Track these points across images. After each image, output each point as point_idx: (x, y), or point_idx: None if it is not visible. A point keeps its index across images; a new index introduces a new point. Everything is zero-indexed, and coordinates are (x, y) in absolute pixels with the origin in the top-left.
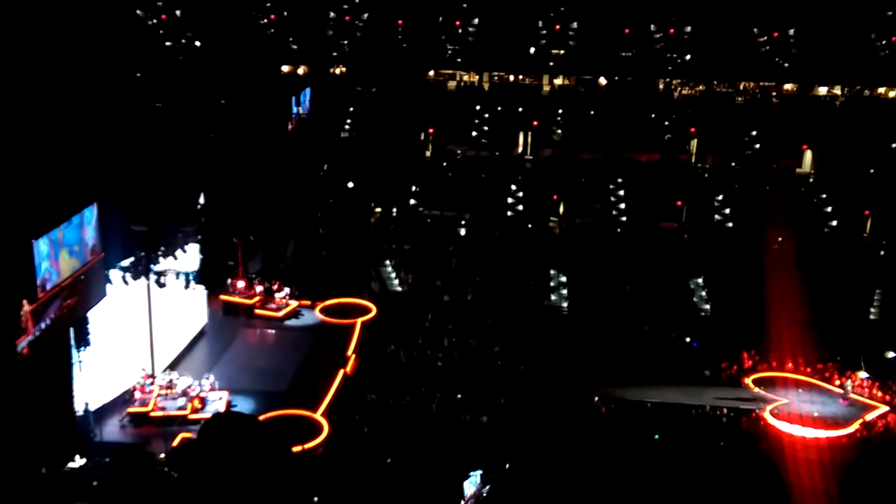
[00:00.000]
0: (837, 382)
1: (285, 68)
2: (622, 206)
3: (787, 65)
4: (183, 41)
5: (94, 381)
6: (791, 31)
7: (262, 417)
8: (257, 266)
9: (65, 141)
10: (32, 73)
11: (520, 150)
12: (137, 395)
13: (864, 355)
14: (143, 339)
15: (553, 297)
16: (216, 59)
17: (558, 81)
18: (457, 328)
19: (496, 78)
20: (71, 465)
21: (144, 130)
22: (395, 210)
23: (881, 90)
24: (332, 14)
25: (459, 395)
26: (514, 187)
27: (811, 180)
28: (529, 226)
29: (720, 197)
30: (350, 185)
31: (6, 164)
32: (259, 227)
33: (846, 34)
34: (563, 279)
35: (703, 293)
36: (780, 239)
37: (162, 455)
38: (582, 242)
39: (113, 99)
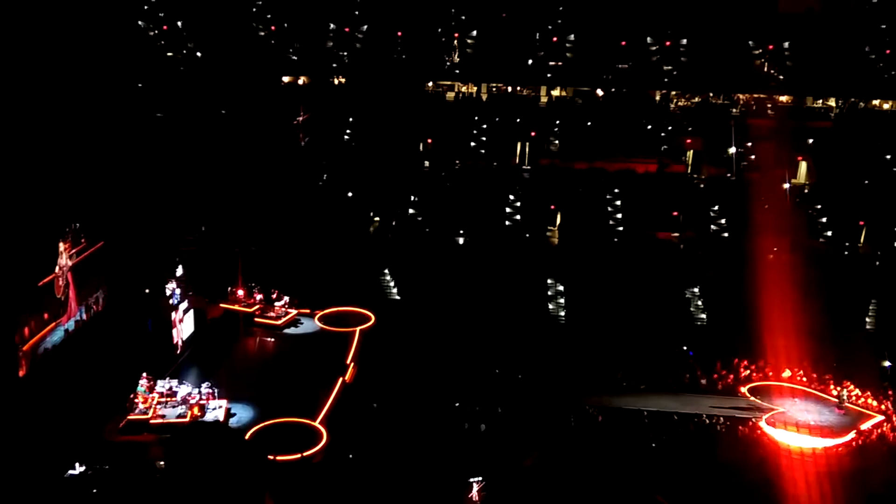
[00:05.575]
0: (834, 392)
1: (286, 79)
2: (619, 216)
3: (781, 77)
4: (184, 52)
5: (96, 387)
6: (786, 44)
7: (261, 425)
8: (257, 275)
9: (63, 149)
10: (33, 83)
11: (517, 160)
12: (138, 402)
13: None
14: (144, 347)
15: (551, 307)
16: (217, 69)
17: (556, 93)
18: (454, 337)
19: (494, 89)
20: (71, 472)
21: (145, 140)
22: (393, 219)
23: (875, 102)
24: (331, 25)
25: (458, 404)
26: (511, 197)
27: (806, 191)
28: (527, 235)
29: (716, 207)
30: (349, 194)
31: (11, 170)
32: (259, 236)
33: (841, 46)
34: (561, 288)
35: (700, 303)
36: (775, 249)
37: (161, 463)
38: (579, 252)
39: (114, 108)
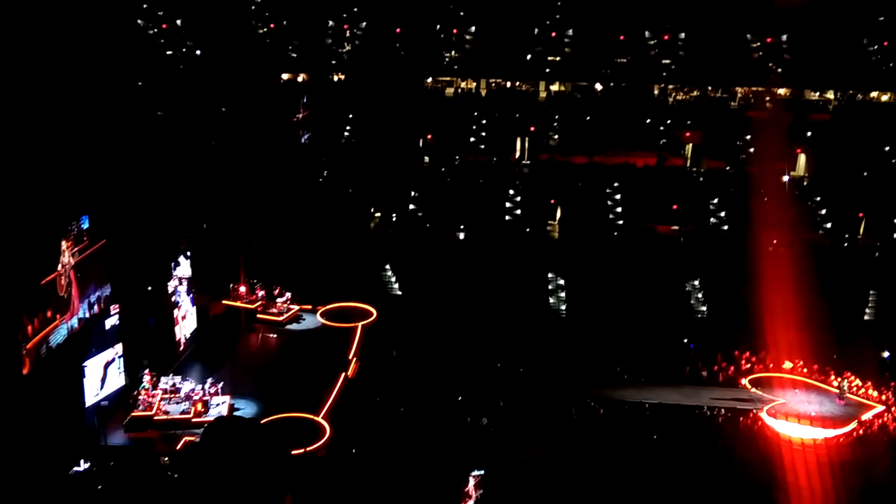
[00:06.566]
0: (835, 383)
1: (285, 76)
2: (619, 209)
3: (780, 70)
4: (184, 50)
5: (99, 385)
6: (784, 37)
7: (263, 421)
8: (259, 271)
9: (65, 148)
10: (33, 82)
11: (517, 155)
12: (142, 398)
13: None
14: (147, 343)
15: (551, 301)
16: (217, 67)
17: (554, 87)
18: (456, 332)
19: (493, 84)
20: (76, 469)
21: (146, 138)
22: (394, 215)
23: (874, 94)
24: (330, 22)
25: (460, 398)
26: (511, 192)
27: (805, 183)
28: (527, 230)
29: (715, 200)
30: (350, 190)
31: (13, 168)
32: (260, 232)
33: (838, 39)
34: (561, 282)
35: (700, 295)
36: (775, 241)
37: (166, 459)
38: (579, 246)
39: (114, 106)
